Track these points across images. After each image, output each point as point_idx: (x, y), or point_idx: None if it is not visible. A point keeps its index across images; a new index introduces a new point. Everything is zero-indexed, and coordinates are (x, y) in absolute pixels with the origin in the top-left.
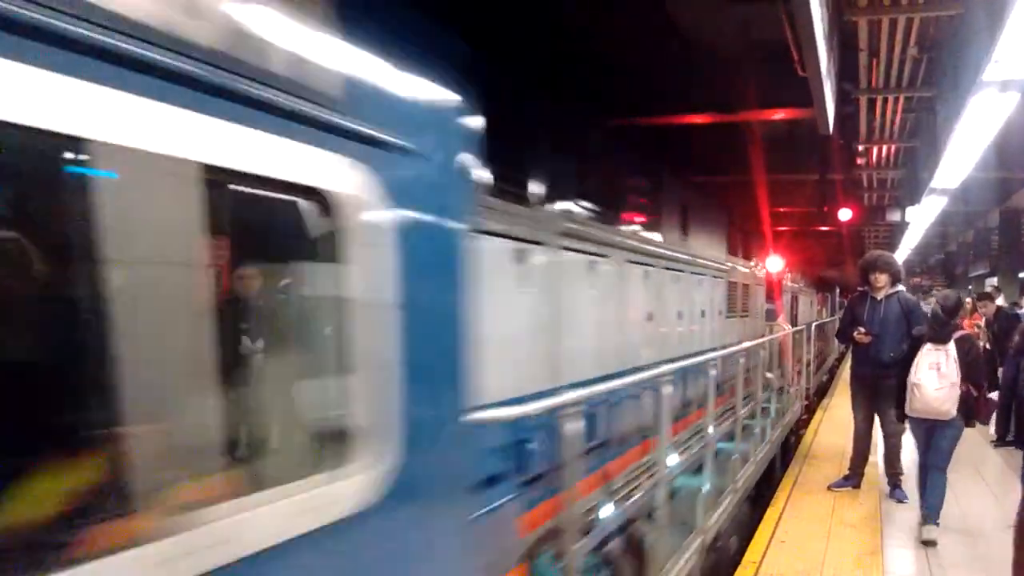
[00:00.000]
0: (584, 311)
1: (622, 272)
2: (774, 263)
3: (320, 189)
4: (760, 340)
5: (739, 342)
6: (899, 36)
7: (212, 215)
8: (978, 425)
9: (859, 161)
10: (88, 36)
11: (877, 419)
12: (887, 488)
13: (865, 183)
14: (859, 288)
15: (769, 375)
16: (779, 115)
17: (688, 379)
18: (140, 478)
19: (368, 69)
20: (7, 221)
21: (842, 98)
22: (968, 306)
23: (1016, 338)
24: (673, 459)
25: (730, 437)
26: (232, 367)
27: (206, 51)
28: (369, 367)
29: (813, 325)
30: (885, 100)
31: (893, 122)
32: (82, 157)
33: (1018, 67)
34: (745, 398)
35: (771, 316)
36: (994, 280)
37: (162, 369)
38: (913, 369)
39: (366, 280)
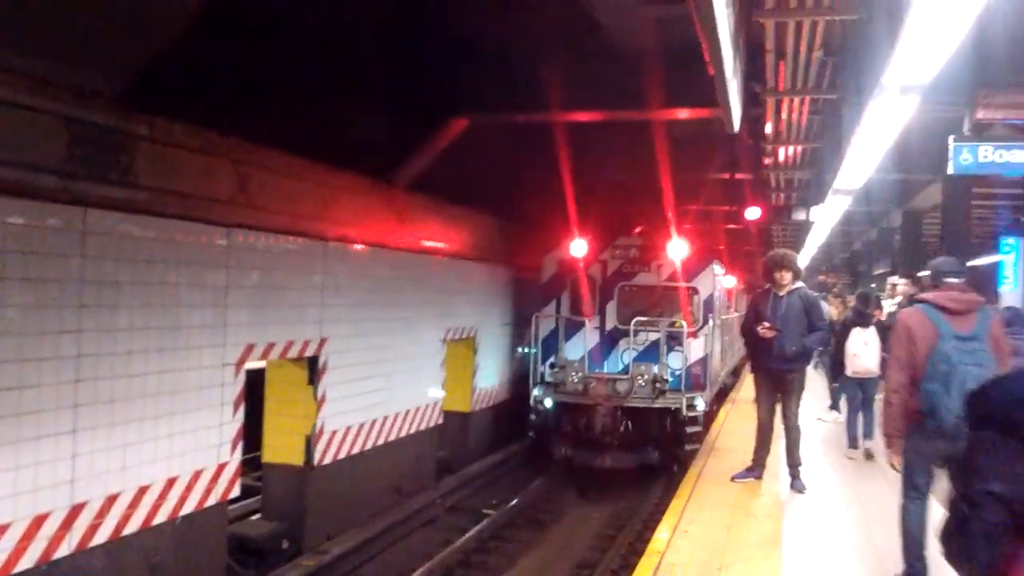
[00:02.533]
0: None
1: None
2: (728, 280)
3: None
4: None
5: None
6: (804, 38)
7: None
8: None
9: (767, 161)
10: None
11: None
12: (788, 479)
13: (773, 183)
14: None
15: (726, 337)
16: (686, 114)
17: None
18: None
19: None
20: None
21: (751, 99)
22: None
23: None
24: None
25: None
26: None
27: None
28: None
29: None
30: (792, 101)
31: (800, 123)
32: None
33: (917, 72)
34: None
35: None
36: (895, 278)
37: None
38: (848, 346)
39: None
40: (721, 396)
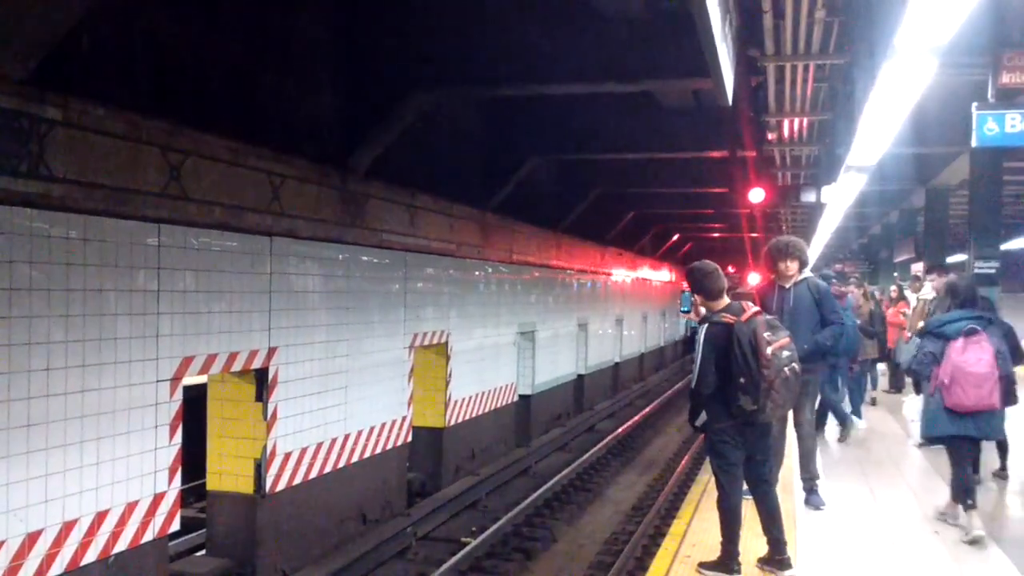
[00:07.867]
0: None
1: None
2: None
3: None
4: None
5: None
6: None
7: None
8: None
9: (770, 136)
10: None
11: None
12: (803, 494)
13: (778, 160)
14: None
15: None
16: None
17: None
18: None
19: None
20: None
21: (749, 66)
22: (894, 294)
23: None
24: None
25: None
26: None
27: None
28: None
29: None
30: (795, 68)
31: (805, 92)
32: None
33: (933, 31)
34: None
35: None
36: (919, 268)
37: None
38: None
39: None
40: None
